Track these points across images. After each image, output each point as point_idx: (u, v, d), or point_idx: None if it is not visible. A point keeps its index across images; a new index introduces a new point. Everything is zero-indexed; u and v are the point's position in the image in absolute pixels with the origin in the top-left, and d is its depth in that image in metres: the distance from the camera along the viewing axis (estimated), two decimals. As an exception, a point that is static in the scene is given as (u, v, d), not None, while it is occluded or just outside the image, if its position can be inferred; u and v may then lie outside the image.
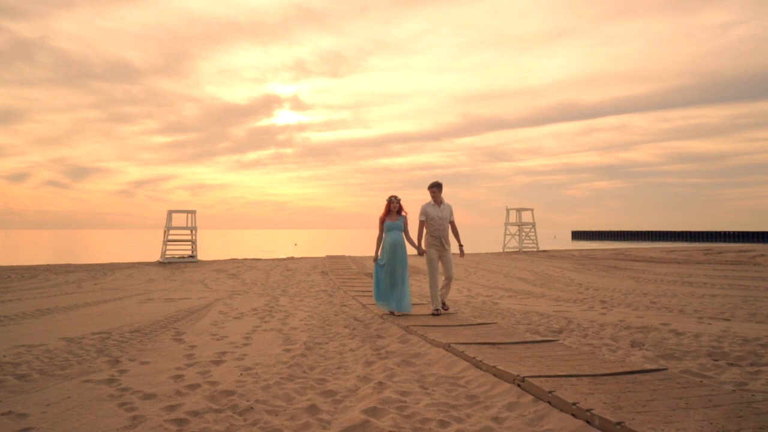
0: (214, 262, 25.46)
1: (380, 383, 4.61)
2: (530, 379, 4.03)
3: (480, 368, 4.71)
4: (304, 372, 5.21)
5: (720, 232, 61.21)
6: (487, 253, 32.75)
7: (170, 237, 25.71)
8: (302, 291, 13.33)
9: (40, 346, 6.57)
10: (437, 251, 8.43)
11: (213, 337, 7.27)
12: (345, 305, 10.31)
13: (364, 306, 9.88)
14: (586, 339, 6.64)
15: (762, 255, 26.60)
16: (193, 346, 6.64)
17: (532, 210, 37.11)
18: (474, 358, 4.90)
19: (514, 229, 36.88)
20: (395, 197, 8.49)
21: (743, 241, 53.85)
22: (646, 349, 5.98)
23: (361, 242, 75.23)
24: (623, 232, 72.46)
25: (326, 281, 15.78)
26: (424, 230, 8.52)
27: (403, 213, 8.54)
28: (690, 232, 63.98)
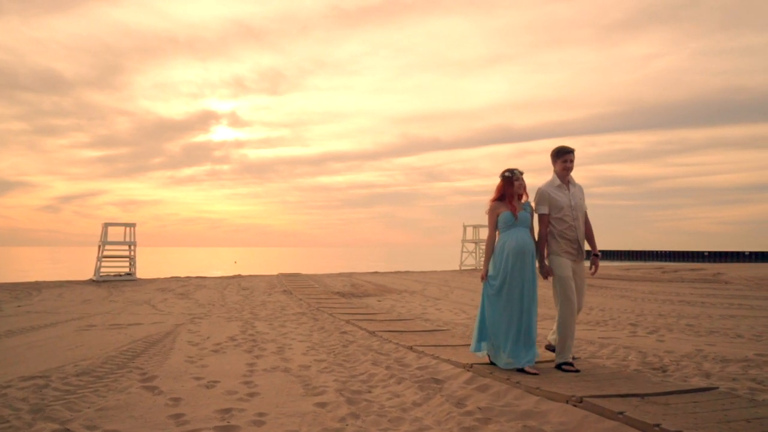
0: (155, 280, 22.75)
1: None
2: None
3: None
4: (378, 448, 3.37)
5: (648, 252, 63.97)
6: (444, 271, 31.38)
7: (105, 253, 22.84)
8: (275, 314, 11.31)
9: (-57, 403, 4.42)
10: (573, 262, 5.25)
11: (198, 382, 5.28)
12: (344, 332, 8.43)
13: (372, 333, 8.02)
14: (710, 380, 5.09)
15: (720, 273, 26.61)
16: (177, 399, 4.66)
17: (489, 227, 36.09)
18: (658, 426, 3.17)
19: (471, 246, 35.71)
20: (515, 170, 5.29)
21: (670, 260, 56.02)
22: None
23: (304, 260, 72.56)
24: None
25: (297, 302, 13.76)
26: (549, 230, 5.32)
27: (525, 198, 5.40)
28: (621, 252, 66.06)
